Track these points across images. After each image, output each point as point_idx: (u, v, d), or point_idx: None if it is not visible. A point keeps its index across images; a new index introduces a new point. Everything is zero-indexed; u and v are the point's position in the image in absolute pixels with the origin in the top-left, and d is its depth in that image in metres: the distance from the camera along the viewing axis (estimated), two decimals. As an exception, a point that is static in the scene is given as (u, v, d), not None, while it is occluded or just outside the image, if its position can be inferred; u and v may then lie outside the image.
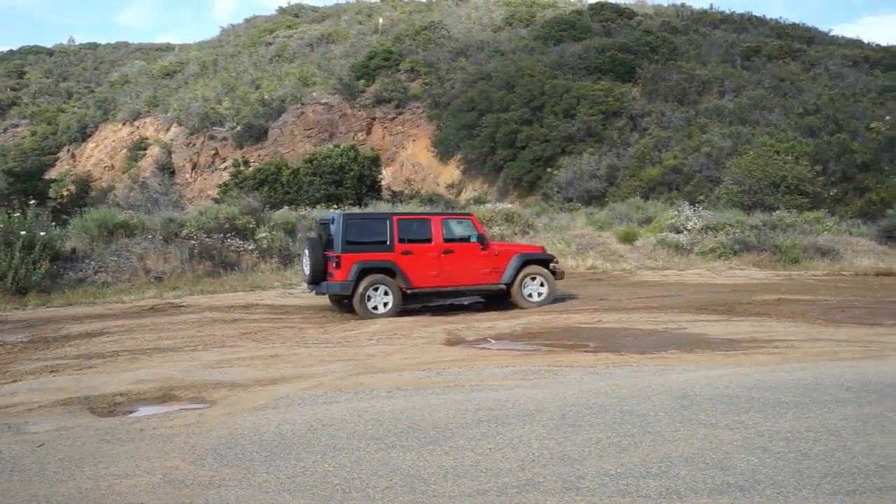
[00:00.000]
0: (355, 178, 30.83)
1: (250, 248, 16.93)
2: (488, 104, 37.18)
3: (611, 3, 52.28)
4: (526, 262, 12.04)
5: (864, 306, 11.97)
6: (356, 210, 20.17)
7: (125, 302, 12.92)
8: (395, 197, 32.46)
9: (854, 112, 31.89)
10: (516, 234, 20.76)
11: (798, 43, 43.65)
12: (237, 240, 17.04)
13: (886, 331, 9.54)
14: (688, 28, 49.05)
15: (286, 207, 23.05)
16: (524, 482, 3.97)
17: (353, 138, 41.82)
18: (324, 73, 49.67)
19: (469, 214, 12.88)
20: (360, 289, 10.98)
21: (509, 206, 24.83)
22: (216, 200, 26.01)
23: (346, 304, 11.63)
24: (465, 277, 11.70)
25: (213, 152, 47.46)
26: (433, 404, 5.58)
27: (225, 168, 42.93)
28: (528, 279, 11.99)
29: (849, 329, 9.64)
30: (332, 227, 11.31)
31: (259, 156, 42.88)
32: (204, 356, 8.05)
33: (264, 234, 17.30)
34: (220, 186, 35.02)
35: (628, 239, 20.31)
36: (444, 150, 39.00)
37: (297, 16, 69.04)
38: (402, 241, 11.33)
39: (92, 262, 15.08)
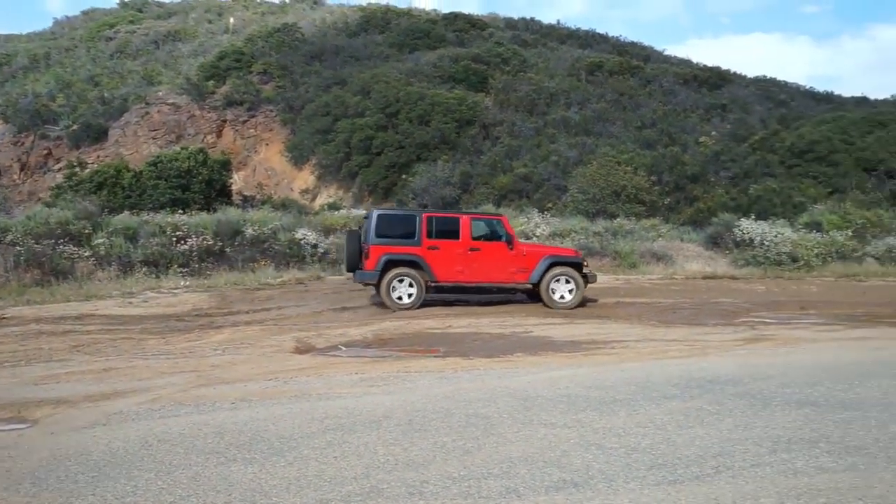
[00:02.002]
0: (204, 183, 29.58)
1: (86, 254, 15.90)
2: (343, 109, 36.88)
3: (464, 14, 53.41)
4: (554, 264, 12.55)
5: (691, 307, 12.92)
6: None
7: (-63, 315, 11.71)
8: (247, 202, 31.42)
9: (685, 127, 34.39)
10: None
11: (636, 60, 46.39)
12: (71, 246, 15.96)
13: (710, 330, 10.35)
14: (537, 42, 50.88)
15: (127, 212, 21.73)
16: (368, 489, 3.95)
17: (203, 141, 40.03)
18: (170, 73, 47.34)
19: (500, 216, 13.55)
20: (386, 279, 11.73)
21: (364, 212, 24.72)
22: (48, 204, 24.10)
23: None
24: (491, 275, 12.33)
25: (46, 152, 43.93)
26: (278, 414, 5.45)
27: (59, 170, 39.88)
28: (556, 280, 12.49)
29: (678, 329, 10.38)
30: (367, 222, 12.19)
31: (98, 157, 40.14)
32: (27, 372, 7.44)
33: (102, 241, 16.30)
34: (52, 189, 32.50)
35: (480, 245, 20.76)
36: (298, 154, 38.23)
37: (140, 11, 65.34)
38: (430, 236, 12.00)
39: None
